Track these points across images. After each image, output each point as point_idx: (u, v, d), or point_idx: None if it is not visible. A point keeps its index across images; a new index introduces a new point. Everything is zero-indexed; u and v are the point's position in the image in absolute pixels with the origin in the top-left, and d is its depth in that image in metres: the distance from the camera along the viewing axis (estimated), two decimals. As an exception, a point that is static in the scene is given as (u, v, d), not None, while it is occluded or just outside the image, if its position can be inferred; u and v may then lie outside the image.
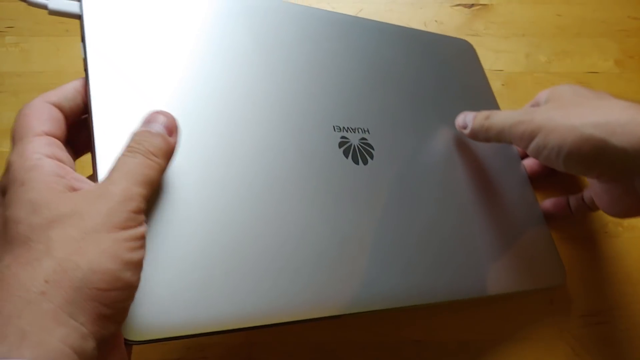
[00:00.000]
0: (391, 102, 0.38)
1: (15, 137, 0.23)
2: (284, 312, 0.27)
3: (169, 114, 0.26)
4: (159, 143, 0.24)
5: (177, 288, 0.25)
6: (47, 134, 0.24)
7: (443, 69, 0.44)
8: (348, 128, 0.35)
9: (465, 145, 0.40)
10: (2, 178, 0.23)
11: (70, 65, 0.47)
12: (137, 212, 0.22)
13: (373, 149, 0.35)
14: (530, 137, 0.32)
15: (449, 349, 0.37)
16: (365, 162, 0.34)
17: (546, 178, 0.43)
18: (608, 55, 0.51)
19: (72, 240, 0.20)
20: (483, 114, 0.36)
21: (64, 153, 0.24)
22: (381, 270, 0.31)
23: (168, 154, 0.25)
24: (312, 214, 0.30)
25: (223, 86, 0.31)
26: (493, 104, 0.45)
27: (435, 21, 0.52)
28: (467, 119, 0.37)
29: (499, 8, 0.53)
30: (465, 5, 0.53)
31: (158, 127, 0.25)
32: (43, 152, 0.23)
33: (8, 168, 0.22)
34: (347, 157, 0.33)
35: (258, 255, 0.28)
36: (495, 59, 0.47)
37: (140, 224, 0.22)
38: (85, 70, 0.27)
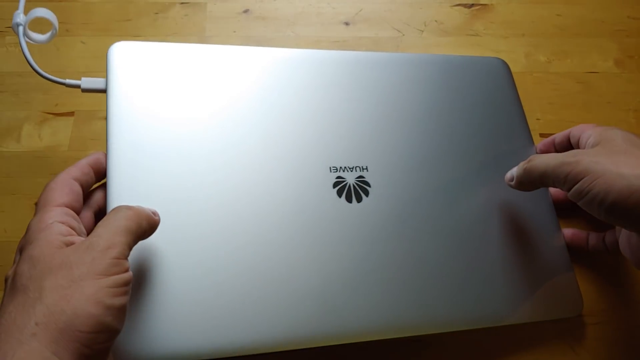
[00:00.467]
0: (396, 136, 0.38)
1: (39, 205, 0.28)
2: (277, 342, 0.30)
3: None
4: (138, 207, 0.28)
5: (168, 321, 0.28)
6: (66, 206, 0.28)
7: (464, 96, 0.42)
8: (345, 167, 0.36)
9: (483, 173, 0.39)
10: (22, 239, 0.27)
11: (70, 65, 0.47)
12: (120, 258, 0.25)
13: (369, 186, 0.36)
14: (575, 180, 0.31)
15: (449, 348, 0.37)
16: (359, 200, 0.35)
17: (572, 207, 0.40)
18: (608, 55, 0.51)
19: (61, 288, 0.23)
20: (524, 161, 0.35)
21: (77, 223, 0.28)
22: (370, 303, 0.32)
23: (149, 218, 0.28)
24: (299, 253, 0.32)
25: (219, 132, 0.34)
26: (521, 132, 0.43)
27: (435, 21, 0.52)
28: (512, 171, 0.36)
29: (499, 8, 0.53)
30: (465, 5, 0.53)
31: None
32: (57, 218, 0.27)
33: (27, 230, 0.27)
34: (340, 196, 0.35)
35: (245, 293, 0.30)
36: (495, 59, 0.48)
37: (124, 271, 0.25)
38: (107, 137, 0.32)
